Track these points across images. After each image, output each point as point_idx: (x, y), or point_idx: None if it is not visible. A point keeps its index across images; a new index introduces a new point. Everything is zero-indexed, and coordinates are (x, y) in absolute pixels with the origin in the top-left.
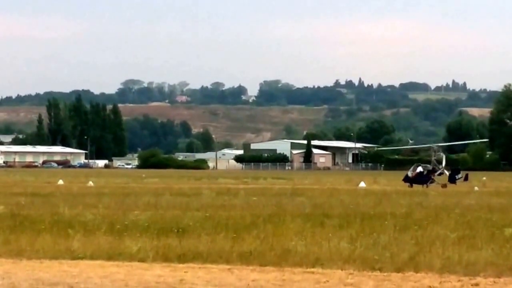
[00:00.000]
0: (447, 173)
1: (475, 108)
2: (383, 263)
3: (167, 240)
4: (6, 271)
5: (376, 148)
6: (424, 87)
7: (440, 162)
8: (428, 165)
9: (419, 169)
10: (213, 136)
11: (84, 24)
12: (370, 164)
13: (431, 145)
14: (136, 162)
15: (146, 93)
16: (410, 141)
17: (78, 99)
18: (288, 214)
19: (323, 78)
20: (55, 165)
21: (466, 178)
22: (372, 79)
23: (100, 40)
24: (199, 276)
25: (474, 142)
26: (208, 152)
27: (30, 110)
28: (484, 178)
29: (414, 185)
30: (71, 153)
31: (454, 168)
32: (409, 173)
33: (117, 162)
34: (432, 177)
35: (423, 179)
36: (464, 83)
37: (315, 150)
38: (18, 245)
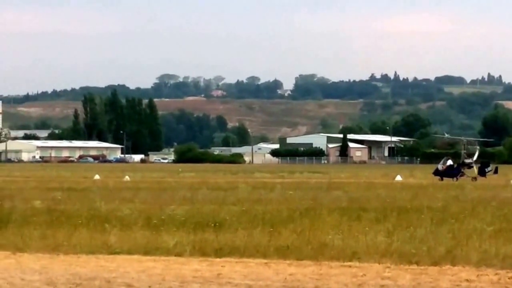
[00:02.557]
0: (476, 166)
1: (511, 101)
2: (420, 257)
3: (204, 235)
4: (43, 266)
5: (412, 142)
6: (459, 81)
7: (471, 156)
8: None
9: (449, 162)
10: (248, 130)
11: (120, 19)
12: (406, 158)
13: (461, 138)
14: (172, 157)
15: (182, 88)
16: (446, 135)
17: (114, 94)
18: (324, 208)
19: (358, 72)
20: (91, 159)
21: (496, 171)
22: (407, 72)
23: (135, 35)
24: (236, 270)
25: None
26: (244, 146)
27: (66, 105)
28: None
29: (444, 178)
30: (107, 148)
31: (484, 161)
32: (439, 167)
33: (153, 157)
34: (462, 170)
35: (453, 172)
36: (500, 76)
37: (351, 144)
38: (55, 240)
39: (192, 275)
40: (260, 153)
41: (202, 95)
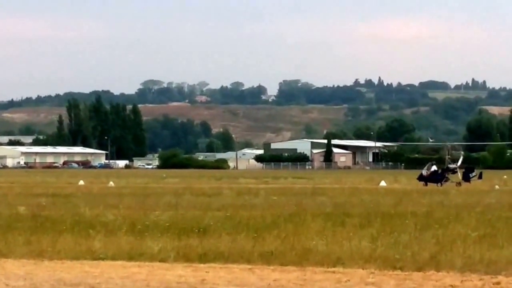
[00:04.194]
0: (460, 172)
1: (495, 107)
2: (404, 262)
3: (188, 240)
4: (27, 272)
5: (396, 148)
6: (443, 86)
7: (455, 161)
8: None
9: (434, 168)
10: (233, 136)
11: (104, 24)
12: (390, 163)
13: (445, 143)
14: (156, 162)
15: (166, 93)
16: (430, 140)
17: (98, 99)
18: (308, 213)
19: (342, 77)
20: (76, 165)
21: (480, 177)
22: (391, 78)
23: (119, 40)
24: (220, 276)
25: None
26: (228, 152)
27: (50, 111)
28: (505, 176)
29: (429, 184)
30: (91, 154)
31: (468, 166)
32: (424, 172)
33: (138, 163)
34: (447, 175)
35: (437, 177)
36: (484, 82)
37: (335, 150)
38: (39, 245)
39: (176, 280)
40: (244, 159)
41: (186, 101)
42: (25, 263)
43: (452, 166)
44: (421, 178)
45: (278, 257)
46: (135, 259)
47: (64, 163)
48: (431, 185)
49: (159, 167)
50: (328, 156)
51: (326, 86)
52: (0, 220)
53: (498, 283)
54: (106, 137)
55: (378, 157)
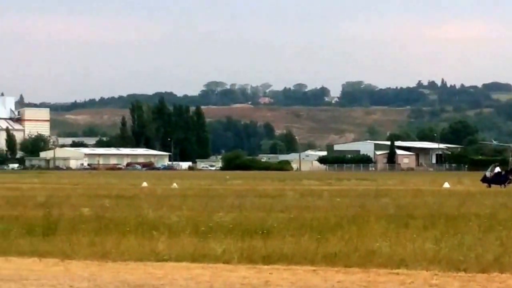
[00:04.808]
0: None
1: None
2: (468, 264)
3: (252, 242)
4: (91, 273)
5: (459, 149)
6: (507, 87)
7: None
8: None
9: (497, 169)
10: (296, 137)
11: (168, 26)
12: (454, 165)
13: (508, 145)
14: (219, 164)
15: (229, 95)
16: (494, 142)
17: (161, 101)
18: (372, 215)
19: (405, 79)
20: (139, 167)
21: None
22: (454, 79)
23: (183, 42)
24: (284, 277)
25: None
26: (292, 154)
27: (113, 112)
28: None
29: (492, 185)
30: (154, 155)
31: None
32: (487, 174)
33: (201, 164)
34: (510, 177)
35: (501, 179)
36: None
37: (398, 151)
38: (103, 247)
39: (240, 282)
40: (307, 160)
41: (249, 103)
42: (89, 264)
43: None
44: (484, 179)
45: (342, 259)
46: (199, 260)
47: (128, 164)
48: (494, 187)
49: (222, 168)
50: (391, 158)
51: (389, 88)
52: (64, 222)
53: None
54: (169, 139)
55: (441, 158)
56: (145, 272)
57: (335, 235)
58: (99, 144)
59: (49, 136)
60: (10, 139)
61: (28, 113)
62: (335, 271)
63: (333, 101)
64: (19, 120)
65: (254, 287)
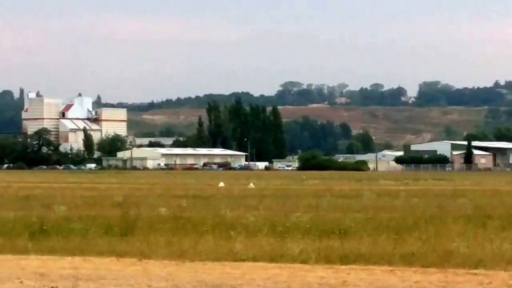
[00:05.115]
0: None
1: None
2: None
3: (329, 242)
4: (169, 273)
5: None
6: None
7: None
8: None
9: None
10: (372, 137)
11: (244, 27)
12: None
13: None
14: (296, 164)
15: (305, 95)
16: None
17: (238, 101)
18: (449, 215)
19: (482, 79)
20: (216, 167)
21: None
22: None
23: (259, 43)
24: (361, 277)
25: None
26: (368, 154)
27: (190, 112)
28: None
29: None
30: (231, 155)
31: None
32: None
33: (277, 164)
34: None
35: None
36: None
37: (475, 151)
38: (180, 247)
39: (317, 282)
40: (384, 160)
41: (326, 103)
42: (166, 264)
43: None
44: None
45: (419, 259)
46: (276, 260)
47: (204, 164)
48: None
49: (298, 168)
50: (468, 158)
51: (466, 88)
52: (141, 222)
53: None
54: (246, 139)
55: None
56: (222, 272)
57: (412, 235)
58: (176, 144)
59: (126, 136)
60: (88, 139)
61: (106, 113)
62: (413, 271)
63: (409, 101)
64: (96, 120)
65: (332, 287)
